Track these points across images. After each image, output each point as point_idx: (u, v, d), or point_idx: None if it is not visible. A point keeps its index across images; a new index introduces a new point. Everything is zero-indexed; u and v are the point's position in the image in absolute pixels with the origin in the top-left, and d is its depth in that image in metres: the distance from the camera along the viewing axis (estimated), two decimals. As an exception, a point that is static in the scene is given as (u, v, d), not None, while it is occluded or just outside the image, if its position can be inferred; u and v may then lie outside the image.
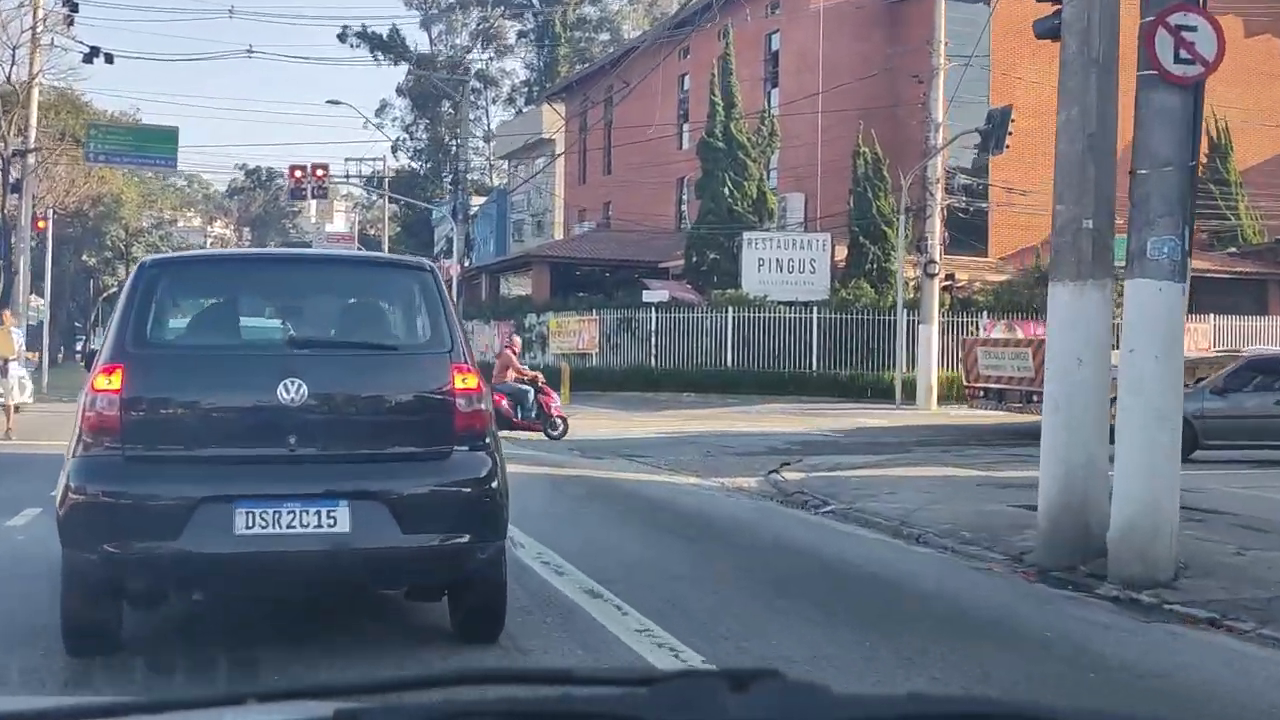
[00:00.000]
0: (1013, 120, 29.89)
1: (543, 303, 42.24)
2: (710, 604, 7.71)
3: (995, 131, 29.95)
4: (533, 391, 20.74)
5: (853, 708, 1.28)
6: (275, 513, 6.05)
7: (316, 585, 6.57)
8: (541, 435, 20.43)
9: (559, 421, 20.82)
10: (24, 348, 19.05)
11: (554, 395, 21.15)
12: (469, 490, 6.41)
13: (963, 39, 33.22)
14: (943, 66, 33.01)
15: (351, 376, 6.55)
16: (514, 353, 21.86)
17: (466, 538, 6.34)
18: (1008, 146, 29.94)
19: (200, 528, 5.98)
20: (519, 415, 20.39)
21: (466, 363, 6.58)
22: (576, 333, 38.73)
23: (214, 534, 6.00)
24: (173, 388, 6.37)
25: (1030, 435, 22.48)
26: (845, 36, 42.23)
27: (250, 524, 6.02)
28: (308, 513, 6.09)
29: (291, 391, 6.19)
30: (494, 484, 6.47)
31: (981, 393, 24.83)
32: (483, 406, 6.57)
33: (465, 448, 6.44)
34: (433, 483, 6.37)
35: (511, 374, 20.96)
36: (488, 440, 6.56)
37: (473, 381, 6.52)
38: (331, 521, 6.10)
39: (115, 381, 6.15)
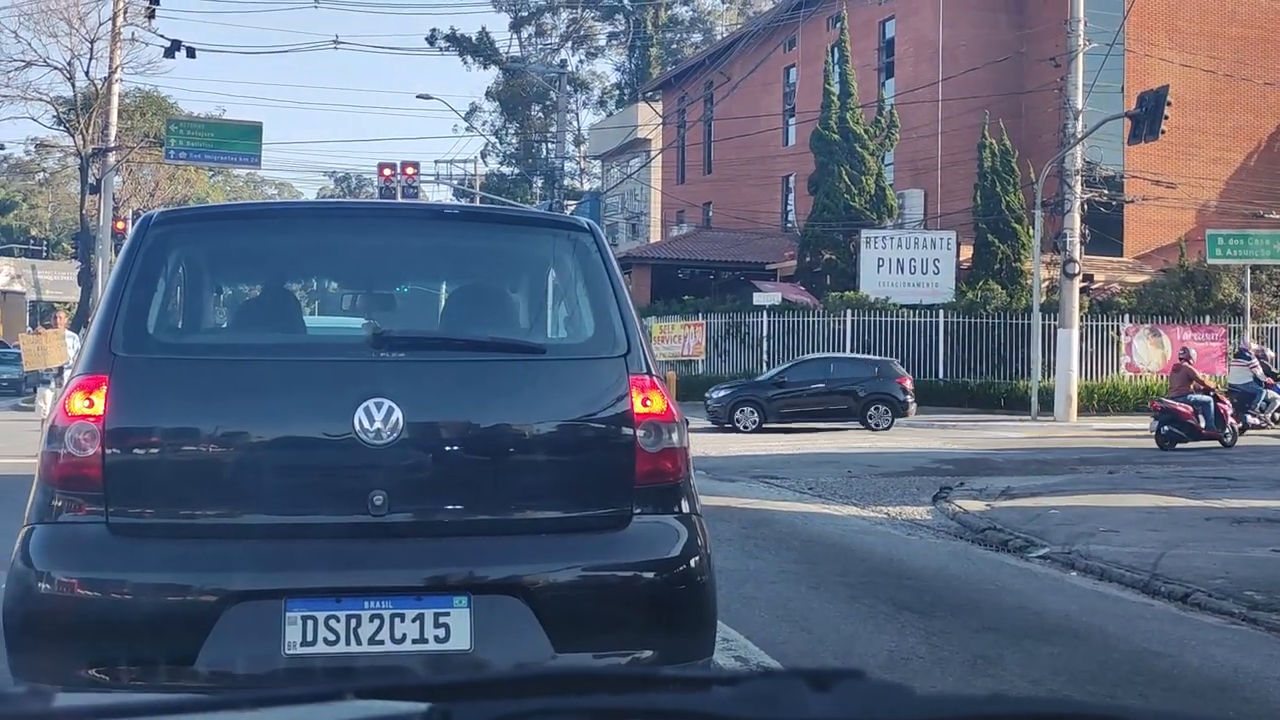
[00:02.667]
0: (1169, 104, 27.01)
1: (644, 306, 39.85)
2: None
3: (1149, 115, 27.13)
4: (1213, 401, 21.06)
5: (935, 706, 1.20)
6: (351, 618, 3.72)
7: None
8: (1217, 443, 20.90)
9: (1230, 431, 21.17)
10: (78, 354, 17.05)
11: (1228, 403, 21.49)
12: (656, 579, 4.00)
13: (1096, 21, 30.62)
14: (1081, 48, 30.12)
15: (471, 397, 4.09)
16: (1193, 365, 22.41)
17: (650, 654, 3.94)
18: (1163, 131, 27.07)
19: (231, 642, 3.66)
20: (1204, 426, 20.74)
21: (651, 374, 4.16)
22: (681, 338, 36.23)
23: (252, 652, 3.67)
24: (186, 414, 3.97)
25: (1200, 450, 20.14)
26: (966, 22, 39.66)
27: (310, 637, 3.69)
28: (403, 618, 3.74)
29: (377, 420, 3.84)
30: (694, 564, 4.06)
31: None
32: (676, 442, 4.09)
33: (651, 510, 4.04)
34: (601, 567, 3.98)
35: (1192, 385, 21.39)
36: (684, 500, 4.13)
37: (661, 404, 4.08)
38: (441, 632, 3.75)
39: (96, 403, 3.84)
